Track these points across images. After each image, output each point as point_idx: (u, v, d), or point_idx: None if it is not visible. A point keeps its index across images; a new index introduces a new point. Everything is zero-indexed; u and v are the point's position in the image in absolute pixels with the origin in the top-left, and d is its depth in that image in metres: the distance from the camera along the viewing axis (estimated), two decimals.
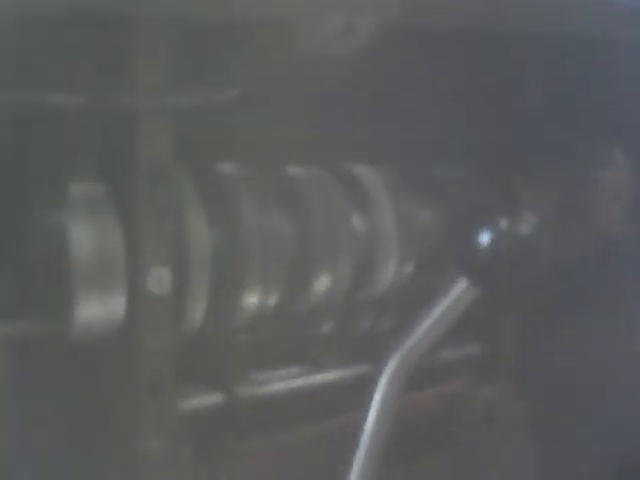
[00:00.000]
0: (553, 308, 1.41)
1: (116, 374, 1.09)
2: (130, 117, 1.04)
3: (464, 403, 1.37)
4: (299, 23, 1.04)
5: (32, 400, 1.05)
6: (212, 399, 1.18)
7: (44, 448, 1.05)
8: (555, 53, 1.27)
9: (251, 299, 1.16)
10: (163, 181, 1.06)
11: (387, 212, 1.27)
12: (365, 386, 1.15)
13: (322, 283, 1.22)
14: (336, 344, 1.26)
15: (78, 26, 0.99)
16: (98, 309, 1.05)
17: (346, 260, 1.23)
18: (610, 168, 1.37)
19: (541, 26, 1.17)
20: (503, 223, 1.10)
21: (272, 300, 1.18)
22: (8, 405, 1.03)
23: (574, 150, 1.34)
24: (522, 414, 1.41)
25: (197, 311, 1.12)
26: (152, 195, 1.05)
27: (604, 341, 1.40)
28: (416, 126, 1.31)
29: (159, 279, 1.07)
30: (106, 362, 1.09)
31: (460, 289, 1.09)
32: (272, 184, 1.19)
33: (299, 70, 1.10)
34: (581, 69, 1.29)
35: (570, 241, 1.37)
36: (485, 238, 1.08)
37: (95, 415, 1.09)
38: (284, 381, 1.21)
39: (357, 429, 1.07)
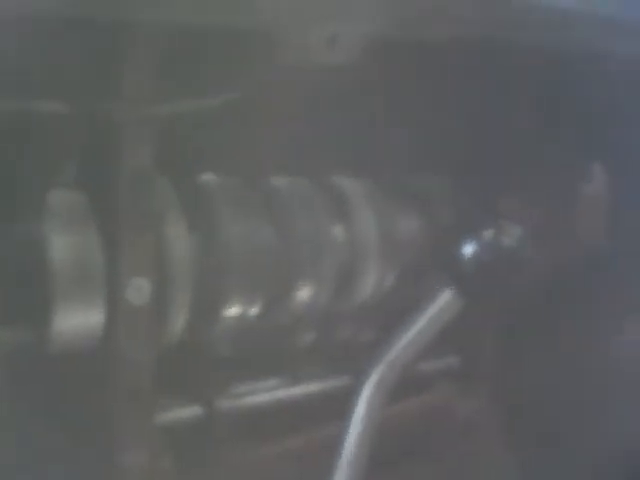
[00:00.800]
0: (533, 319, 1.41)
1: (95, 385, 1.07)
2: (111, 125, 1.03)
3: (444, 414, 1.37)
4: (284, 34, 1.03)
5: (9, 411, 1.04)
6: (193, 411, 1.17)
7: (22, 461, 1.04)
8: (537, 67, 1.28)
9: (232, 310, 1.15)
10: (143, 190, 1.05)
11: (368, 223, 1.27)
12: (346, 397, 1.15)
13: (303, 293, 1.21)
14: (317, 355, 1.26)
15: (63, 33, 0.98)
16: (77, 319, 1.03)
17: (327, 270, 1.23)
18: (590, 181, 1.38)
19: (527, 40, 1.18)
20: (488, 234, 1.10)
21: (253, 311, 1.17)
22: None
23: (554, 163, 1.35)
24: (501, 425, 1.41)
25: (177, 322, 1.11)
26: (132, 204, 1.04)
27: (584, 353, 1.40)
28: (398, 138, 1.31)
29: (138, 289, 1.05)
30: (86, 373, 1.07)
31: (445, 299, 1.08)
32: (254, 194, 1.19)
33: (283, 81, 1.10)
34: (561, 83, 1.29)
35: (551, 254, 1.38)
36: (470, 249, 1.08)
37: (74, 426, 1.08)
38: (265, 393, 1.20)
39: (339, 441, 1.06)
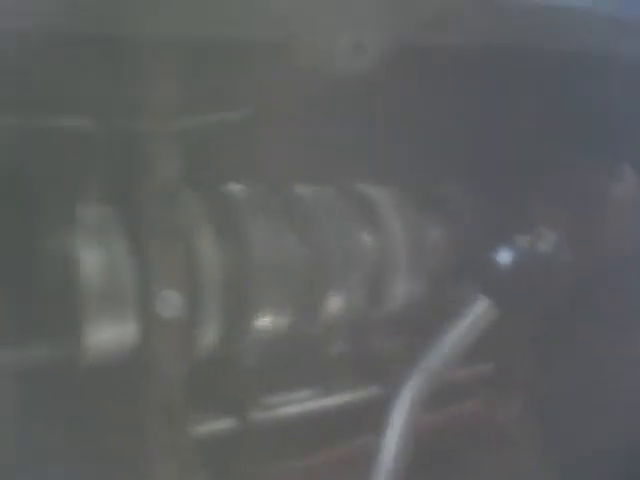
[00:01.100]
0: (568, 326, 1.40)
1: (128, 399, 1.07)
2: (139, 139, 1.03)
3: (480, 423, 1.35)
4: (307, 42, 1.03)
5: (44, 426, 1.03)
6: (226, 423, 1.17)
7: (55, 474, 1.03)
8: (561, 67, 1.26)
9: (263, 321, 1.15)
10: (171, 203, 1.06)
11: (397, 231, 1.26)
12: (379, 408, 1.14)
13: (334, 303, 1.20)
14: (348, 365, 1.25)
15: (88, 48, 0.99)
16: (108, 334, 1.04)
17: (357, 279, 1.22)
18: (619, 182, 1.36)
19: (548, 42, 1.17)
20: (523, 241, 1.08)
21: (284, 321, 1.17)
22: (20, 431, 1.01)
23: (583, 165, 1.33)
24: (538, 434, 1.39)
25: (209, 334, 1.11)
26: (161, 218, 1.05)
27: (620, 359, 1.38)
28: (427, 144, 1.30)
29: (169, 303, 1.05)
30: (118, 386, 1.07)
31: (480, 308, 1.07)
32: (282, 204, 1.18)
33: (308, 88, 1.09)
34: (588, 83, 1.28)
35: (583, 257, 1.36)
36: (505, 257, 1.07)
37: (108, 441, 1.07)
38: (298, 404, 1.19)
39: (373, 452, 1.05)
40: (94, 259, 1.03)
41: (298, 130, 1.14)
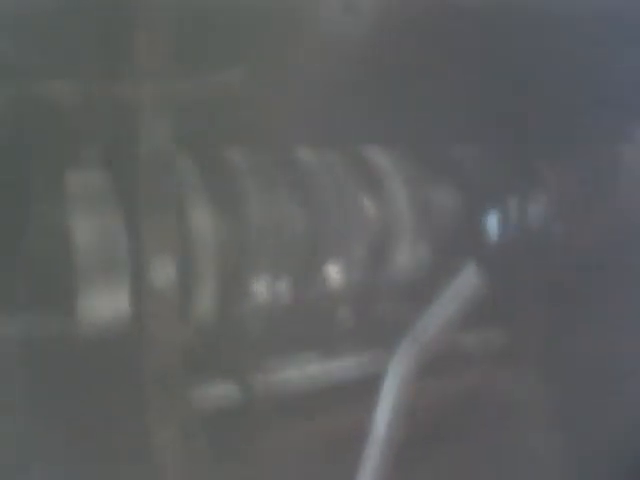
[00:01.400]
0: (580, 293, 1.36)
1: (124, 367, 1.07)
2: (130, 105, 1.02)
3: (486, 390, 1.33)
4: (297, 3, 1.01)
5: (40, 394, 1.04)
6: (227, 389, 1.16)
7: (54, 444, 1.04)
8: (573, 31, 1.23)
9: (261, 286, 1.14)
10: (164, 170, 1.04)
11: (400, 194, 1.24)
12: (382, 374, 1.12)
13: (335, 268, 1.19)
14: (352, 330, 1.23)
15: (77, 15, 0.98)
16: (102, 302, 1.03)
17: (358, 244, 1.20)
18: (631, 144, 1.32)
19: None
20: (513, 210, 1.06)
21: (283, 286, 1.16)
22: (16, 398, 1.02)
23: (594, 127, 1.29)
24: (546, 401, 1.36)
25: (205, 301, 1.10)
26: (153, 185, 1.04)
27: (634, 327, 1.34)
28: (433, 107, 1.27)
29: (162, 272, 1.05)
30: (114, 356, 1.07)
31: (466, 275, 1.05)
32: (281, 168, 1.17)
33: (305, 50, 1.07)
34: (598, 46, 1.24)
35: (594, 222, 1.33)
36: (493, 225, 1.04)
37: (105, 409, 1.07)
38: (298, 370, 1.18)
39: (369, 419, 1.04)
40: (86, 227, 1.02)
41: (298, 93, 1.12)
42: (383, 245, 1.22)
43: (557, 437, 1.28)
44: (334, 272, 1.19)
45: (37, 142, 1.02)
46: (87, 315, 1.03)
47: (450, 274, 1.09)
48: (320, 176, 1.19)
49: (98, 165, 1.05)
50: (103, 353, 1.06)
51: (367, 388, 1.12)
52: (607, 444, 1.21)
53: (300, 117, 1.13)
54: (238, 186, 1.13)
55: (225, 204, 1.11)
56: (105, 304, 1.03)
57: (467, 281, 1.05)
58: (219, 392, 1.15)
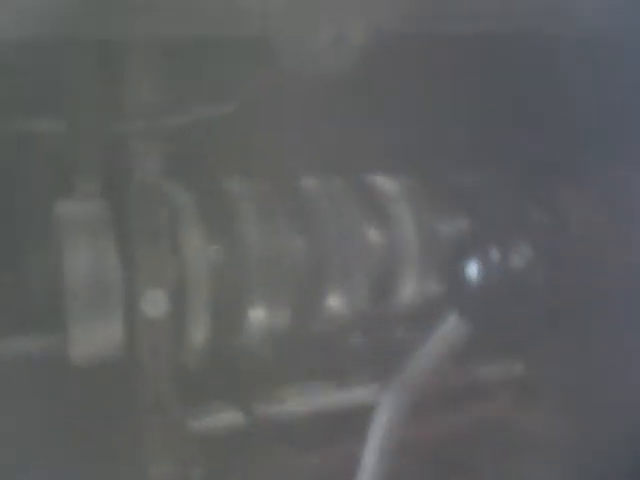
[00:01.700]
0: (602, 324, 1.31)
1: (118, 397, 1.08)
2: (124, 137, 1.03)
3: (500, 426, 1.30)
4: (289, 36, 1.00)
5: (33, 421, 1.06)
6: (227, 419, 1.17)
7: (46, 473, 1.06)
8: (590, 53, 1.19)
9: (258, 316, 1.13)
10: (157, 202, 1.05)
11: (406, 223, 1.22)
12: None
13: (336, 298, 1.18)
14: (354, 360, 1.22)
15: (69, 51, 1.00)
16: (94, 330, 1.05)
17: (361, 274, 1.19)
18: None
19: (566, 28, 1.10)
20: (494, 255, 1.03)
21: (282, 317, 1.15)
22: (7, 424, 1.04)
23: (612, 151, 1.25)
24: (566, 439, 1.32)
25: (199, 331, 1.11)
26: (146, 216, 1.05)
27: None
28: (441, 132, 1.25)
29: (154, 302, 1.06)
30: (108, 385, 1.08)
31: (450, 323, 1.03)
32: (280, 196, 1.16)
33: (297, 81, 1.06)
34: (617, 70, 1.20)
35: (613, 248, 1.28)
36: (475, 271, 1.01)
37: (99, 438, 1.09)
38: (298, 398, 1.18)
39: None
40: (80, 255, 1.03)
41: (293, 122, 1.11)
42: (389, 274, 1.21)
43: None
44: (335, 302, 1.18)
45: (27, 173, 1.04)
46: (79, 342, 1.04)
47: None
48: (321, 204, 1.18)
49: (92, 195, 1.06)
50: (95, 381, 1.08)
51: (365, 420, 1.11)
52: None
53: (298, 146, 1.12)
54: (234, 217, 1.13)
55: (220, 235, 1.11)
56: (96, 333, 1.05)
57: (451, 330, 1.03)
58: (215, 421, 1.16)
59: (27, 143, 1.03)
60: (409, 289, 1.20)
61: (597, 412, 1.25)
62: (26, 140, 1.03)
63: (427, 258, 1.20)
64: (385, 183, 1.22)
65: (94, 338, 1.05)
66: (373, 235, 1.19)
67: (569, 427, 1.28)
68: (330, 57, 1.01)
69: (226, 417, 1.16)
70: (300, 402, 1.18)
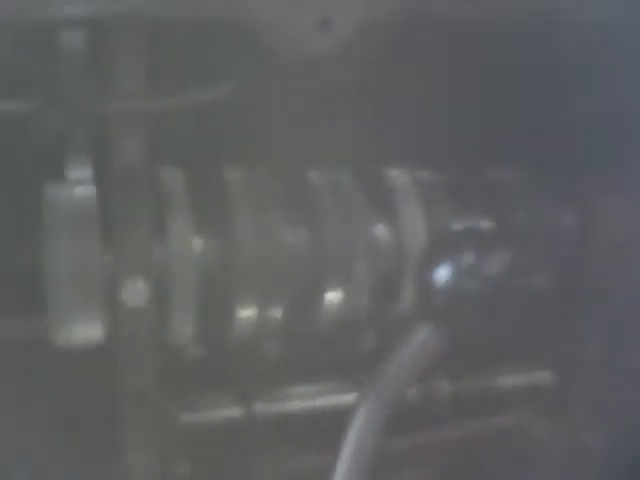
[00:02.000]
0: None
1: (99, 386, 1.07)
2: (107, 121, 1.01)
3: (514, 439, 1.21)
4: (270, 18, 0.95)
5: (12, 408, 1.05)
6: (215, 413, 1.14)
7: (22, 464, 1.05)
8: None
9: (247, 312, 1.09)
10: (140, 188, 1.03)
11: (417, 220, 1.15)
12: None
13: (335, 296, 1.12)
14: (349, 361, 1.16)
15: (55, 29, 0.99)
16: (74, 318, 1.03)
17: (364, 271, 1.13)
18: None
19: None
20: (467, 260, 0.95)
21: (274, 313, 1.11)
22: None
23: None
24: (592, 455, 1.22)
25: (184, 324, 1.08)
26: (128, 203, 1.02)
27: None
28: (466, 123, 1.17)
29: (135, 291, 1.03)
30: (89, 374, 1.07)
31: (423, 334, 0.96)
32: (276, 188, 1.11)
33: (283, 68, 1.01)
34: None
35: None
36: (445, 277, 0.94)
37: (79, 427, 1.08)
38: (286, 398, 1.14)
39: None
40: (61, 242, 1.02)
41: (281, 110, 1.06)
42: (397, 272, 1.14)
43: None
44: (333, 300, 1.12)
45: (13, 157, 1.04)
46: (58, 331, 1.03)
47: None
48: (323, 198, 1.13)
49: (79, 180, 1.04)
50: (75, 370, 1.06)
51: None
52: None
53: (285, 136, 1.07)
54: (228, 205, 1.09)
55: (212, 223, 1.08)
56: (77, 323, 1.03)
57: (425, 341, 0.96)
58: (202, 415, 1.13)
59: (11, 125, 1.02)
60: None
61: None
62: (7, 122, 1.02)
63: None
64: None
65: (75, 324, 1.03)
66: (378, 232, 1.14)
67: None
68: (316, 43, 0.96)
69: (214, 411, 1.13)
70: (291, 399, 1.14)
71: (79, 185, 1.04)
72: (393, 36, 0.99)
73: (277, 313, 1.11)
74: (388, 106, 1.10)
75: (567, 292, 1.19)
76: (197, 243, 1.07)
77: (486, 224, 1.18)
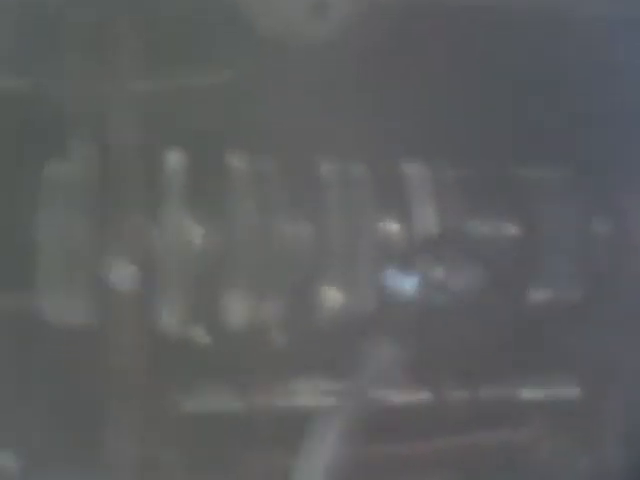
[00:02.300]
0: None
1: (84, 369, 1.05)
2: (102, 102, 1.00)
3: (523, 454, 1.15)
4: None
5: None
6: (205, 402, 1.11)
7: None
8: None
9: (239, 301, 1.06)
10: (139, 170, 1.01)
11: (430, 216, 1.09)
12: None
13: (336, 291, 1.08)
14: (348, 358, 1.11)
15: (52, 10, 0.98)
16: (62, 297, 1.02)
17: (368, 268, 1.08)
18: None
19: None
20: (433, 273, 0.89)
21: (268, 305, 1.07)
22: None
23: None
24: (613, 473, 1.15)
25: (174, 310, 1.05)
26: (122, 185, 1.00)
27: None
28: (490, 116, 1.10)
29: (123, 274, 1.02)
30: (75, 356, 1.06)
31: (383, 349, 0.90)
32: (277, 177, 1.07)
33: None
34: None
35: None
36: (407, 290, 0.89)
37: (66, 408, 1.07)
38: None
39: None
40: (50, 220, 1.01)
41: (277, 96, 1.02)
42: (405, 270, 1.09)
43: None
44: (332, 295, 1.08)
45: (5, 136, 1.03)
46: (44, 309, 1.02)
47: None
48: (329, 190, 1.08)
49: (69, 161, 1.03)
50: (61, 350, 1.06)
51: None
52: None
53: (285, 123, 1.02)
54: (228, 191, 1.06)
55: (206, 212, 1.05)
56: (64, 299, 1.02)
57: (386, 357, 0.91)
58: (181, 402, 1.10)
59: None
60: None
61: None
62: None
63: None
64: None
65: (63, 302, 1.02)
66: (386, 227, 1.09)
67: None
68: (312, 26, 0.91)
69: (205, 398, 1.11)
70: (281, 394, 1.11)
71: (74, 164, 1.03)
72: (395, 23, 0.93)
73: (273, 305, 1.07)
74: (390, 96, 1.04)
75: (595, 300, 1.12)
76: (192, 229, 1.04)
77: (508, 225, 1.11)
